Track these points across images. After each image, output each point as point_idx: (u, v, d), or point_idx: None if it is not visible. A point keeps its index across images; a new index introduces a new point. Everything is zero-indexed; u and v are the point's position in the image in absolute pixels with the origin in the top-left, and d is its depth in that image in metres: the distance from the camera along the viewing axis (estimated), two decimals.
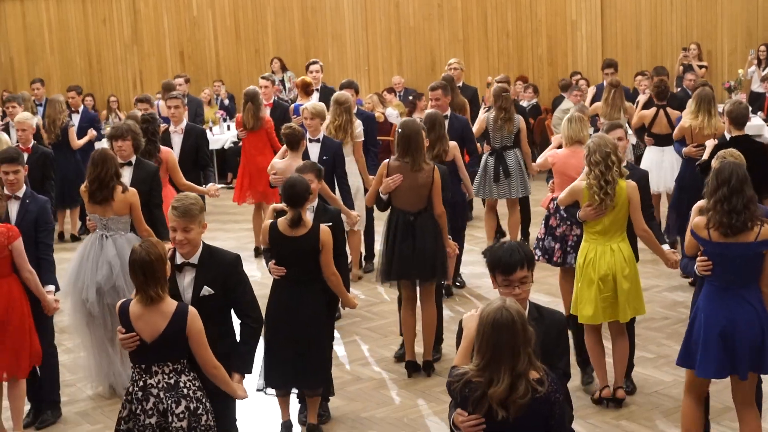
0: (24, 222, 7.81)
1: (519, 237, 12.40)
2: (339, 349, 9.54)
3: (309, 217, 7.57)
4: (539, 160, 9.79)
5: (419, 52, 20.22)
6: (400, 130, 8.66)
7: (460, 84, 13.41)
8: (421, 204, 8.63)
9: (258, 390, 7.65)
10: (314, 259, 7.38)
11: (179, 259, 6.11)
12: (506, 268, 5.21)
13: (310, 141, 10.38)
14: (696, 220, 6.50)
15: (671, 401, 8.06)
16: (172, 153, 10.65)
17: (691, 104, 10.80)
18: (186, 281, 6.11)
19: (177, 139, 11.39)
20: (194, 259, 6.11)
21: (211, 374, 5.83)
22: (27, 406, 8.15)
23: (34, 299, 7.70)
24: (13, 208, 7.90)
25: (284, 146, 10.18)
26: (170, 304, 5.69)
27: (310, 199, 7.59)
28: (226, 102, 19.89)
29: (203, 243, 6.18)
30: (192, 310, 5.71)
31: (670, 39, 18.99)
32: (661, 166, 12.17)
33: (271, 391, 7.65)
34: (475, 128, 11.72)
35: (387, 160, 8.74)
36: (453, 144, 10.12)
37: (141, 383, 5.74)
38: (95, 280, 8.40)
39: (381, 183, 8.67)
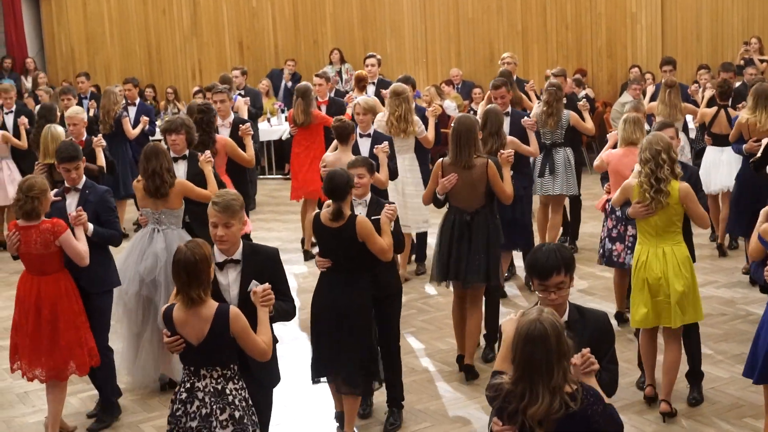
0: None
1: (557, 240, 12.08)
2: None
3: (361, 211, 7.52)
4: (596, 162, 9.70)
5: (478, 44, 20.15)
6: (453, 125, 8.64)
7: (514, 78, 13.35)
8: (478, 202, 8.56)
9: (313, 382, 7.66)
10: (356, 250, 7.29)
11: (220, 257, 5.96)
12: (542, 272, 5.02)
13: (361, 136, 10.34)
14: (765, 226, 6.36)
15: (728, 398, 7.99)
16: (228, 139, 10.64)
17: (748, 100, 10.70)
18: (231, 278, 5.99)
19: (225, 133, 11.23)
20: (237, 255, 6.00)
21: (265, 357, 5.69)
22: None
23: (86, 297, 7.67)
24: (73, 200, 7.88)
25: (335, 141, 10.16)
26: (211, 307, 5.53)
27: (362, 194, 7.59)
28: (290, 84, 19.58)
29: (242, 239, 6.09)
30: (233, 309, 5.56)
31: (731, 31, 18.77)
32: (719, 166, 11.99)
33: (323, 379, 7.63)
34: None
35: (441, 160, 8.69)
36: (511, 139, 10.06)
37: (188, 385, 5.64)
38: (137, 271, 8.38)
39: (437, 183, 8.63)
